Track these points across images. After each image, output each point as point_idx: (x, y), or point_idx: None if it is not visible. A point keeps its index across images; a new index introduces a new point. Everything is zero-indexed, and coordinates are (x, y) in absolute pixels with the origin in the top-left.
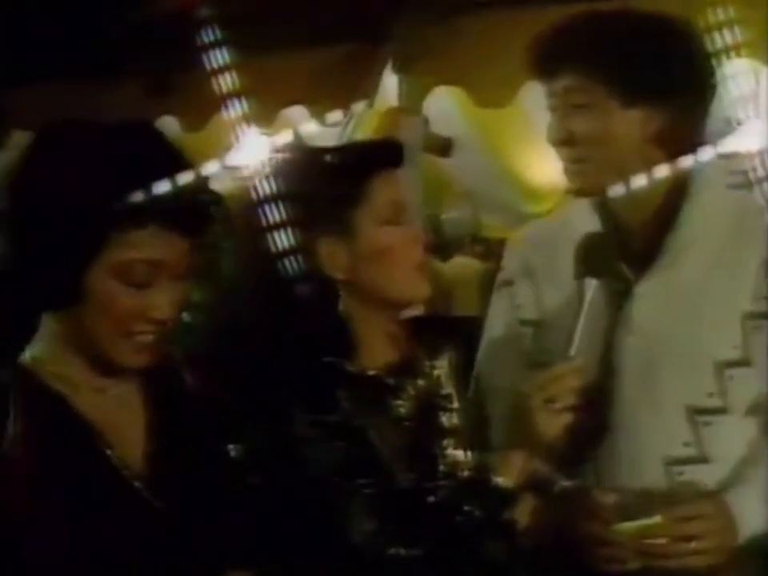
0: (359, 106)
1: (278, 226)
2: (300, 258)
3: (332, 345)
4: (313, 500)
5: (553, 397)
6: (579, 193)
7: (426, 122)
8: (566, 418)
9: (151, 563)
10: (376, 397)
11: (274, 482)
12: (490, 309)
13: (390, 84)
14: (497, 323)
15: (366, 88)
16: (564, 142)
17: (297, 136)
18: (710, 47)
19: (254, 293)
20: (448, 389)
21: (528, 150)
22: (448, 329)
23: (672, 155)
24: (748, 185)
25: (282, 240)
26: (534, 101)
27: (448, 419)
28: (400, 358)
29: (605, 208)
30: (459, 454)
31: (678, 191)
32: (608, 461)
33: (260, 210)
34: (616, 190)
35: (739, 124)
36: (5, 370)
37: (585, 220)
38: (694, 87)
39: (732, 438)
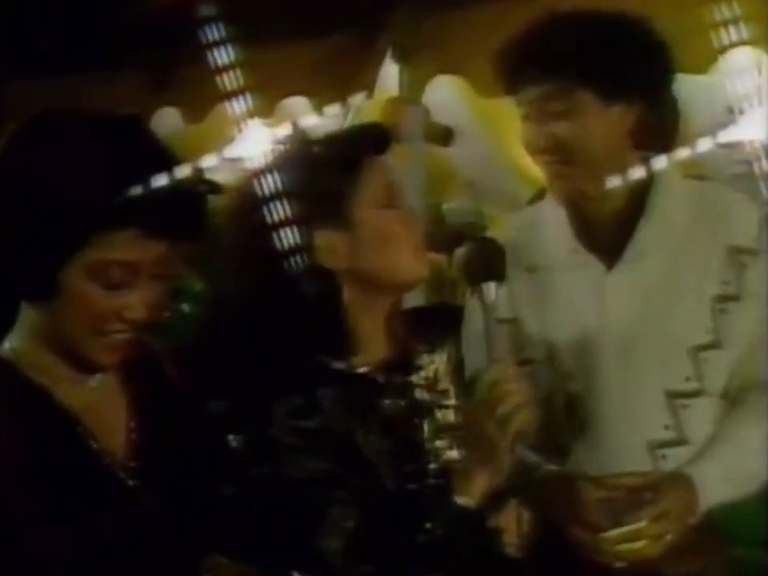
0: (359, 97)
1: (274, 223)
2: (298, 253)
3: (326, 341)
4: (289, 506)
5: (495, 405)
6: (558, 192)
7: (426, 111)
8: (517, 421)
9: (135, 552)
10: (365, 396)
11: (250, 482)
12: (466, 308)
13: (390, 74)
14: (473, 323)
15: (366, 78)
16: (545, 149)
17: (297, 127)
18: (709, 39)
19: (249, 288)
20: (445, 384)
21: None
22: (449, 321)
23: (643, 149)
24: (751, 173)
25: (280, 236)
26: None
27: (443, 416)
28: (397, 352)
29: (573, 202)
30: (454, 453)
31: (644, 184)
32: (590, 447)
33: (256, 206)
34: (593, 188)
35: (741, 114)
36: None
37: (552, 215)
38: (664, 83)
39: (708, 418)
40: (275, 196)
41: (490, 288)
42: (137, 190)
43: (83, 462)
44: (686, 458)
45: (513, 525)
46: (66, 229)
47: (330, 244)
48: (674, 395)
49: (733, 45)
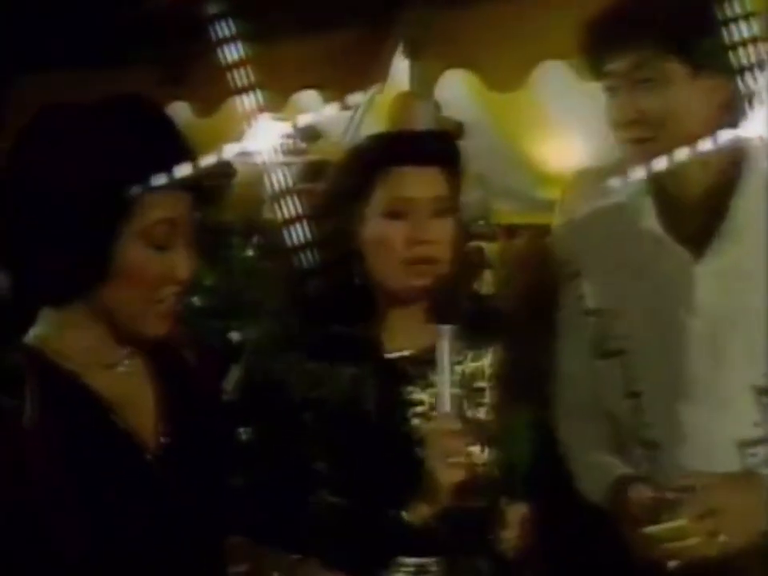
0: (371, 91)
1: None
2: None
3: (358, 324)
4: (303, 484)
5: (446, 451)
6: (644, 169)
7: (437, 106)
8: (458, 476)
9: (161, 534)
10: (386, 379)
11: (269, 463)
12: (561, 301)
13: (401, 69)
14: (566, 315)
15: (378, 73)
16: (632, 121)
17: (309, 121)
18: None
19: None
20: (481, 383)
21: (540, 135)
22: (499, 323)
23: (732, 128)
24: None
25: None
26: (547, 85)
27: (472, 413)
28: (433, 344)
29: (657, 189)
30: (475, 450)
31: (734, 167)
32: (679, 445)
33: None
34: (677, 167)
35: (753, 109)
36: (17, 352)
37: (638, 204)
38: (747, 57)
39: None
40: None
41: (444, 330)
42: (161, 152)
43: (116, 444)
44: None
45: (515, 525)
46: (110, 200)
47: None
48: (762, 391)
49: (743, 41)
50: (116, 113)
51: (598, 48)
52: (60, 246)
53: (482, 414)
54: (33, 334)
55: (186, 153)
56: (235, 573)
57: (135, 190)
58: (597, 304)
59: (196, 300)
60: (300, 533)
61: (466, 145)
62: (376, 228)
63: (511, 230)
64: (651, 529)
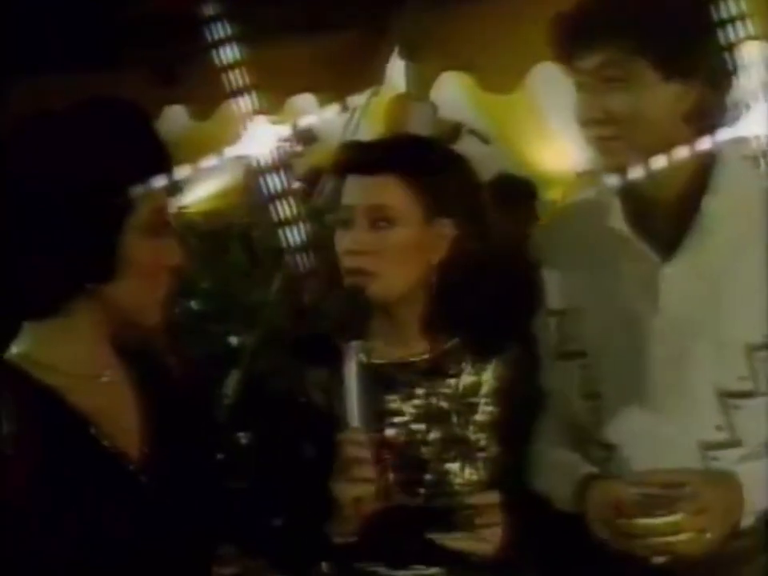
0: (367, 94)
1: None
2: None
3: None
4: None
5: (347, 463)
6: (608, 168)
7: (434, 108)
8: (357, 490)
9: (148, 547)
10: (368, 386)
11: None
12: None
13: (397, 71)
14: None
15: (374, 75)
16: (598, 120)
17: (305, 124)
18: (726, 30)
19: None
20: (475, 398)
21: (536, 136)
22: (502, 336)
23: (700, 134)
24: (756, 167)
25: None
26: (543, 87)
27: (461, 429)
28: (435, 354)
29: (626, 188)
30: (454, 467)
31: (701, 171)
32: (641, 446)
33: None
34: (645, 168)
35: (748, 108)
36: None
37: (605, 203)
38: (720, 64)
39: (758, 421)
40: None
41: (351, 346)
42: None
43: (97, 462)
44: (737, 460)
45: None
46: (113, 196)
47: None
48: (726, 395)
49: (739, 40)
50: (97, 116)
51: (568, 43)
52: (64, 250)
53: (470, 430)
54: (15, 351)
55: (161, 143)
56: None
57: (133, 186)
58: (559, 304)
59: (194, 304)
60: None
61: (463, 145)
62: (336, 236)
63: None
64: (645, 522)
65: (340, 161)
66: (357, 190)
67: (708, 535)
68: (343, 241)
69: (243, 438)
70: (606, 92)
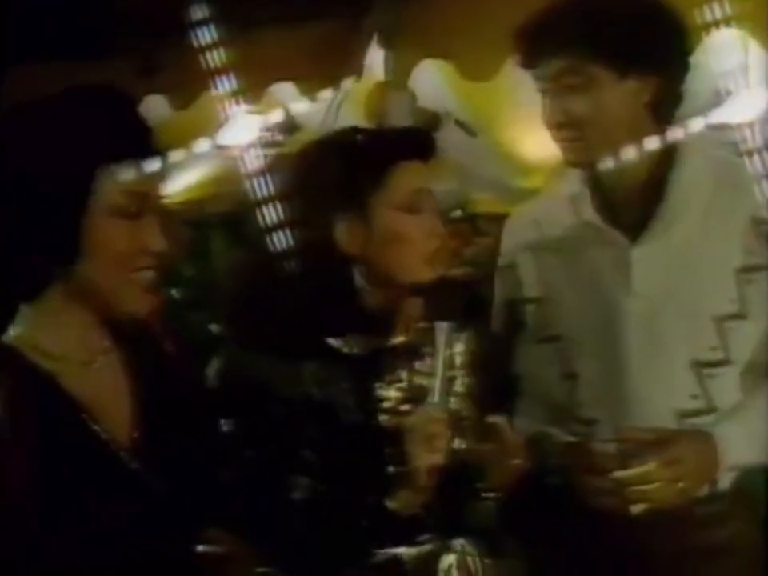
0: (347, 82)
1: (291, 202)
2: (316, 232)
3: (332, 318)
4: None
5: (427, 436)
6: (575, 165)
7: (413, 96)
8: (436, 459)
9: (140, 532)
10: (351, 376)
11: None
12: (495, 292)
13: (376, 59)
14: (501, 304)
15: (353, 64)
16: (562, 124)
17: (286, 113)
18: (694, 19)
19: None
20: (453, 372)
21: (517, 124)
22: (470, 309)
23: (661, 123)
24: (737, 154)
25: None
26: (523, 75)
27: (440, 403)
28: (410, 337)
29: (595, 179)
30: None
31: (666, 158)
32: (618, 419)
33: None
34: (610, 161)
35: (729, 95)
36: None
37: (576, 194)
38: (678, 55)
39: (736, 388)
40: (302, 177)
41: (442, 327)
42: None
43: (89, 448)
44: (711, 422)
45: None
46: (74, 177)
47: (347, 229)
48: (700, 365)
49: (718, 24)
50: (77, 98)
51: (527, 54)
52: (29, 230)
53: (452, 402)
54: (12, 333)
55: (145, 128)
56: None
57: (96, 164)
58: (536, 292)
59: (176, 292)
60: (281, 524)
61: (443, 135)
62: (396, 223)
63: (491, 219)
64: (620, 473)
65: (389, 146)
66: (427, 175)
67: (681, 485)
68: (425, 224)
69: (225, 425)
70: (567, 96)
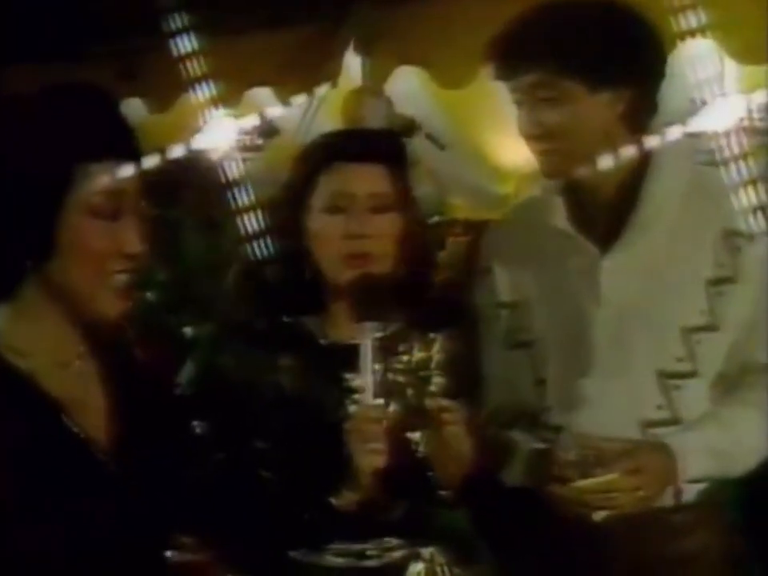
0: (323, 87)
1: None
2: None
3: (306, 310)
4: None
5: (366, 437)
6: (550, 176)
7: (389, 102)
8: (377, 461)
9: (117, 533)
10: (326, 366)
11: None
12: (472, 296)
13: (353, 65)
14: (478, 310)
15: (330, 69)
16: (537, 136)
17: (264, 118)
18: (669, 28)
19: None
20: (427, 371)
21: (494, 130)
22: (447, 311)
23: (635, 134)
24: (713, 163)
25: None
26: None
27: (418, 402)
28: (381, 333)
29: (569, 189)
30: (415, 437)
31: (640, 168)
32: (586, 427)
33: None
34: (584, 172)
35: (704, 104)
36: None
37: (550, 202)
38: (651, 67)
39: (703, 400)
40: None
41: (365, 327)
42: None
43: (68, 448)
44: (674, 433)
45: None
46: (51, 173)
47: (304, 229)
48: (666, 375)
49: (693, 33)
50: (57, 95)
51: (501, 66)
52: (4, 223)
53: (427, 402)
54: None
55: (126, 128)
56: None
57: (74, 162)
58: (510, 297)
59: (149, 295)
60: (239, 515)
61: (419, 141)
62: (317, 222)
63: (468, 225)
64: (584, 482)
65: (324, 149)
66: (353, 177)
67: (642, 493)
68: (341, 225)
69: (198, 427)
70: (541, 109)
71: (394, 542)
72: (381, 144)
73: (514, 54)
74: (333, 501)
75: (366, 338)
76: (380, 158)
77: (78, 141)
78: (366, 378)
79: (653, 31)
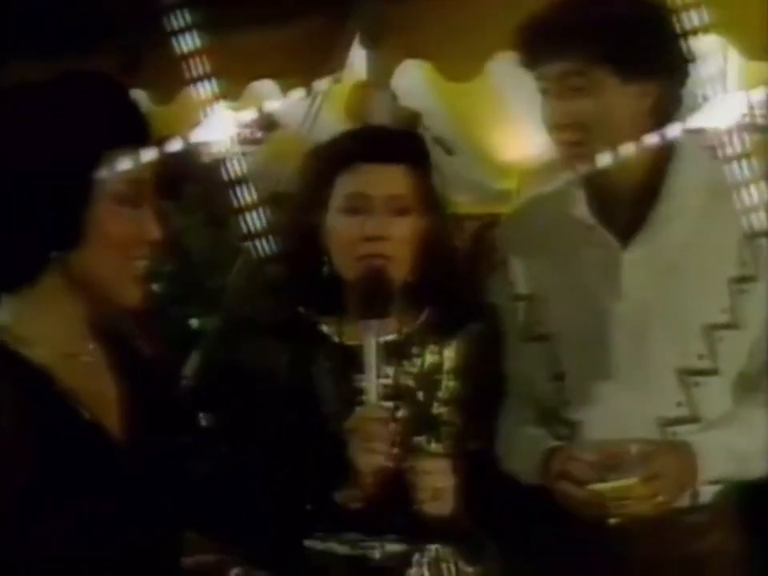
0: (328, 81)
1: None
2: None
3: (319, 308)
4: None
5: (367, 437)
6: (574, 167)
7: (394, 96)
8: (377, 460)
9: (131, 523)
10: (339, 366)
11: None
12: (490, 290)
13: (358, 58)
14: (496, 302)
15: (335, 62)
16: (563, 125)
17: (266, 111)
18: (681, 24)
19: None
20: (438, 375)
21: (497, 125)
22: (464, 316)
23: (661, 126)
24: (716, 159)
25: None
26: (503, 75)
27: (426, 404)
28: (397, 335)
29: (590, 180)
30: (421, 441)
31: (663, 162)
32: (603, 424)
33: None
34: (608, 164)
35: (706, 101)
36: None
37: (569, 193)
38: (677, 58)
39: (723, 398)
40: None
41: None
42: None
43: (82, 437)
44: (694, 432)
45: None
46: (77, 164)
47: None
48: (686, 372)
49: (695, 31)
50: (74, 84)
51: (530, 52)
52: (29, 215)
53: (435, 406)
54: None
55: (140, 115)
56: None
57: (100, 149)
58: (526, 289)
59: (155, 287)
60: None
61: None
62: (334, 222)
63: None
64: (601, 486)
65: (343, 148)
66: (373, 179)
67: (660, 499)
68: (361, 227)
69: (204, 419)
70: (570, 98)
71: (399, 538)
72: (401, 144)
73: (545, 41)
74: (335, 497)
75: (370, 336)
76: (400, 159)
77: (102, 128)
78: (369, 377)
79: (681, 27)
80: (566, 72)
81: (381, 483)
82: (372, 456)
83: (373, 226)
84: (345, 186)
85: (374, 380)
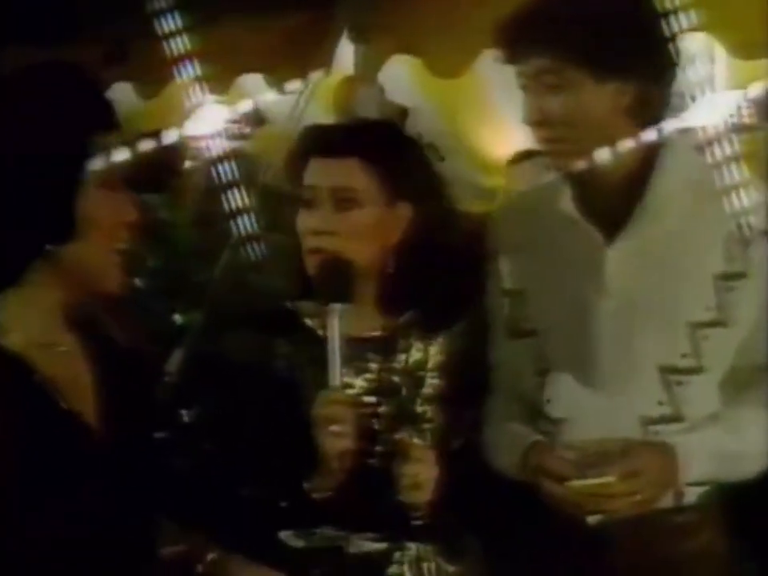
0: (315, 75)
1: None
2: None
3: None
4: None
5: (331, 419)
6: (554, 163)
7: (381, 90)
8: (342, 444)
9: (107, 512)
10: (321, 358)
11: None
12: (479, 286)
13: (346, 53)
14: (485, 297)
15: (323, 57)
16: (540, 122)
17: (253, 104)
18: (668, 22)
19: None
20: (422, 372)
21: (484, 122)
22: (450, 313)
23: (642, 125)
24: (703, 157)
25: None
26: (491, 73)
27: (409, 401)
28: (381, 331)
29: (573, 175)
30: (404, 436)
31: (648, 158)
32: (585, 421)
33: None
34: (587, 162)
35: (694, 100)
36: None
37: (555, 188)
38: (659, 59)
39: (705, 397)
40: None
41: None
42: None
43: (59, 426)
44: (676, 432)
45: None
46: (67, 151)
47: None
48: (668, 371)
49: (680, 31)
50: (41, 75)
51: (508, 49)
52: (22, 210)
53: (418, 403)
54: None
55: (107, 100)
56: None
57: (86, 136)
58: (514, 284)
59: (139, 282)
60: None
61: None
62: (298, 217)
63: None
64: (580, 483)
65: (303, 143)
66: (321, 172)
67: (639, 497)
68: (307, 221)
69: (186, 415)
70: (546, 95)
71: (379, 536)
72: (354, 137)
73: (523, 37)
74: (306, 486)
75: (333, 319)
76: (351, 152)
77: (83, 115)
78: (333, 360)
79: (663, 26)
80: (541, 69)
81: (350, 469)
82: (336, 439)
83: (317, 220)
84: (305, 180)
85: (337, 363)
